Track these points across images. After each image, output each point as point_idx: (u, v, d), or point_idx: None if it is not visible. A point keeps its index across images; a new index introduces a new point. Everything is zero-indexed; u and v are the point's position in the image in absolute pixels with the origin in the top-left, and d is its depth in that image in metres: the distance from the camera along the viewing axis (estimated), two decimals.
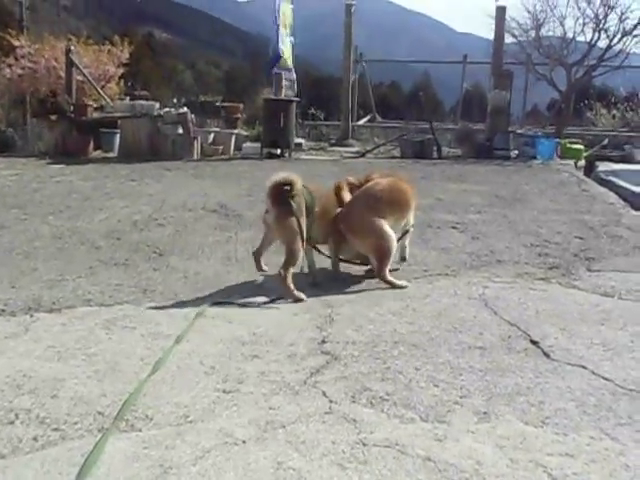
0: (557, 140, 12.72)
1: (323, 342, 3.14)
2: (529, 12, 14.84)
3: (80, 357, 2.85)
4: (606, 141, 13.11)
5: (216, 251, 5.11)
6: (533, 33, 14.65)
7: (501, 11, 13.74)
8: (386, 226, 4.20)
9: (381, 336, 3.24)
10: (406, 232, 4.64)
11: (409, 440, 2.16)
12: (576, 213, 6.89)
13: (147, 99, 13.70)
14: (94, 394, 2.45)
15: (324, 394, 2.51)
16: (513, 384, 2.67)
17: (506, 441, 2.18)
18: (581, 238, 5.74)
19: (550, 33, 14.58)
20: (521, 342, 3.21)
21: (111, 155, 12.88)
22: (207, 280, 4.35)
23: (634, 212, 7.06)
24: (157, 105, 12.53)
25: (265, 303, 3.82)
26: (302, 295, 3.90)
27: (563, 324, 3.49)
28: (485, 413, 2.39)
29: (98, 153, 13.12)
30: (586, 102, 17.74)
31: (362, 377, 2.70)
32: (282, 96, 13.37)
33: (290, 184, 4.05)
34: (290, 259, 3.97)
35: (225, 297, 3.96)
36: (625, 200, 7.86)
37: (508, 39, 15.23)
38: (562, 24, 14.39)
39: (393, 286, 4.14)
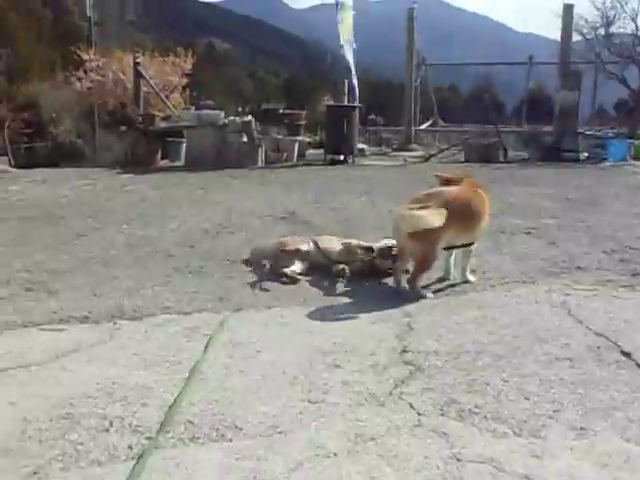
0: (630, 141, 12.29)
1: (404, 351, 3.09)
2: (598, 9, 14.44)
3: (165, 365, 2.89)
4: None
5: None
6: (602, 31, 14.21)
7: (569, 9, 13.39)
8: (441, 241, 4.13)
9: (462, 346, 3.17)
10: (468, 246, 4.41)
11: (505, 456, 2.09)
12: None
13: (212, 108, 13.95)
14: (183, 402, 2.47)
15: (411, 406, 2.47)
16: (608, 398, 2.56)
17: (608, 459, 2.09)
18: None
19: (621, 30, 14.12)
20: (612, 353, 3.07)
21: (178, 164, 13.17)
22: (286, 289, 4.36)
23: None
24: (222, 114, 12.74)
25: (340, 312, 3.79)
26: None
27: None
28: (582, 429, 2.29)
29: (165, 162, 13.44)
30: None
31: (448, 389, 2.64)
32: (344, 102, 13.38)
33: None
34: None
35: (300, 305, 3.96)
36: None
37: (575, 38, 14.83)
38: (634, 20, 13.91)
39: (417, 294, 4.07)
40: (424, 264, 4.15)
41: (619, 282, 4.45)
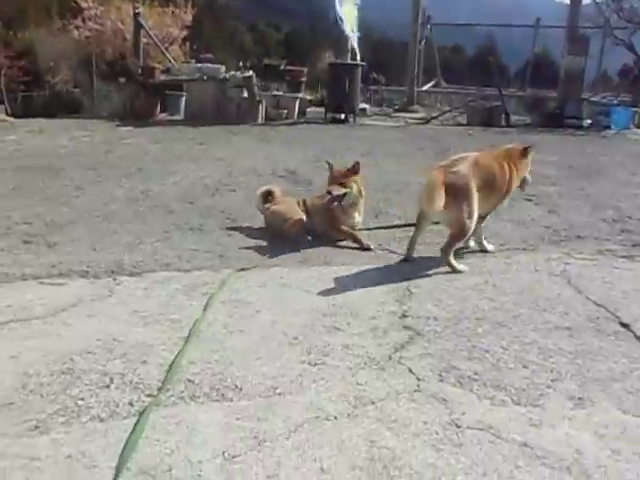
0: (634, 109, 12.17)
1: (404, 316, 3.10)
2: None
3: (165, 323, 2.89)
4: None
5: None
6: None
7: None
8: (476, 206, 3.97)
9: (463, 312, 3.17)
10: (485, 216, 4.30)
11: (503, 424, 2.10)
12: None
13: (212, 62, 13.72)
14: (183, 361, 2.48)
15: (410, 371, 2.48)
16: (606, 369, 2.57)
17: (605, 430, 2.11)
18: None
19: None
20: (610, 324, 3.09)
21: (177, 118, 13.01)
22: (282, 245, 4.34)
23: None
24: (223, 69, 12.54)
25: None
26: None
27: None
28: (580, 399, 2.31)
29: (164, 116, 13.26)
30: None
31: (448, 355, 2.65)
32: (347, 60, 13.16)
33: None
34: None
35: (300, 264, 3.95)
36: None
37: (585, 1, 14.55)
38: None
39: (452, 268, 3.89)
40: (461, 233, 3.91)
41: (619, 252, 4.45)
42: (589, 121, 12.40)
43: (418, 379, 2.42)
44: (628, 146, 9.34)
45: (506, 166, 4.19)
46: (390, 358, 2.59)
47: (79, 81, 18.38)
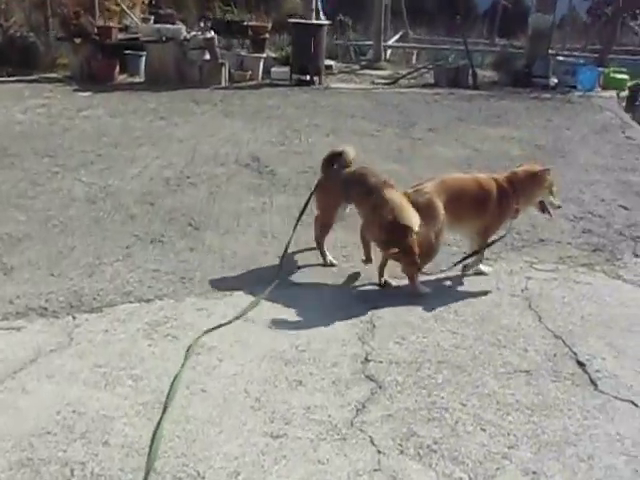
0: (599, 69, 12.13)
1: (367, 360, 3.12)
2: None
3: (127, 382, 2.87)
4: None
5: (251, 223, 5.03)
6: None
7: None
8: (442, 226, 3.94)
9: (425, 352, 3.21)
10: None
11: None
12: (620, 171, 6.66)
13: (172, 18, 13.21)
14: (144, 439, 2.48)
15: (372, 441, 2.52)
16: (561, 429, 2.64)
17: None
18: (626, 208, 5.57)
19: None
20: (567, 363, 3.16)
21: (137, 80, 12.55)
22: (244, 263, 4.31)
23: None
24: (183, 29, 12.09)
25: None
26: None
27: (609, 337, 3.43)
28: (535, 473, 2.38)
29: (124, 77, 12.79)
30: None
31: (408, 416, 2.69)
32: (312, 20, 12.79)
33: None
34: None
35: (261, 286, 3.93)
36: None
37: None
38: None
39: (416, 291, 3.89)
40: (425, 253, 3.84)
41: (579, 260, 4.52)
42: (556, 81, 12.35)
43: (379, 451, 2.46)
44: (593, 115, 9.35)
45: (493, 188, 4.09)
46: (352, 424, 2.62)
47: (34, 24, 17.50)
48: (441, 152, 7.24)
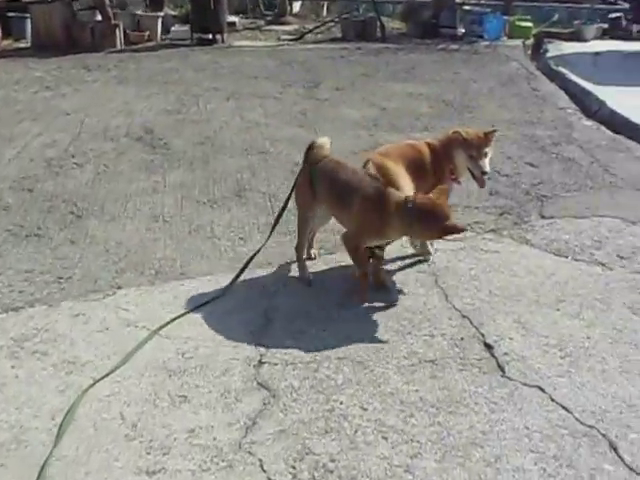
0: (505, 18, 12.05)
1: (260, 363, 2.84)
2: None
3: None
4: (556, 17, 12.51)
5: (141, 206, 4.61)
6: None
7: None
8: None
9: (324, 348, 2.96)
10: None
11: None
12: (526, 125, 6.55)
13: None
14: None
15: (261, 466, 2.25)
16: (468, 427, 2.45)
17: None
18: (532, 165, 5.46)
19: None
20: (475, 347, 2.98)
21: (24, 45, 11.58)
22: (130, 255, 3.91)
23: (585, 121, 6.77)
24: None
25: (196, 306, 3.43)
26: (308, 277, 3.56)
27: (517, 312, 3.27)
28: None
29: (9, 43, 11.76)
30: None
31: (303, 429, 2.43)
32: None
33: None
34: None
35: (150, 282, 3.57)
36: (574, 98, 7.56)
37: None
38: None
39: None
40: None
41: (487, 224, 4.36)
42: (463, 30, 12.20)
43: (269, 479, 2.19)
44: (499, 66, 9.22)
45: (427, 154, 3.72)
46: (240, 446, 2.34)
47: None
48: (347, 113, 6.94)
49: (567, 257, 3.91)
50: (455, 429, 2.44)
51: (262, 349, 2.95)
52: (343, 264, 3.74)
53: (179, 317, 3.15)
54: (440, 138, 3.86)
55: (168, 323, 3.09)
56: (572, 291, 3.49)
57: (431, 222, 3.06)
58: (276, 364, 2.83)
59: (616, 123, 6.49)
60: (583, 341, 3.03)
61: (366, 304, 3.34)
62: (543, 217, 4.47)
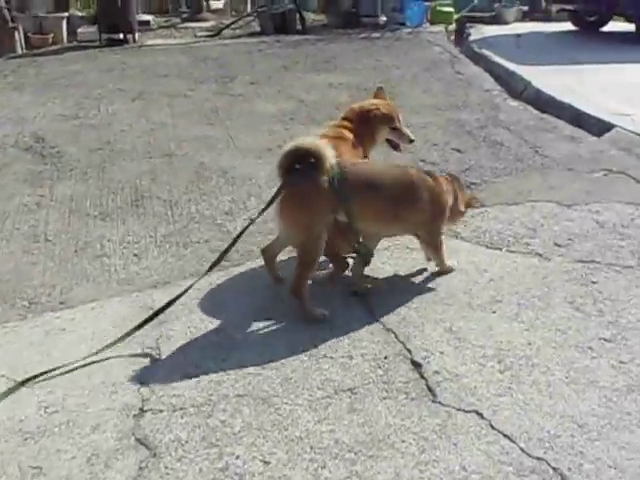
0: (426, 4, 11.79)
1: (142, 412, 2.31)
2: None
3: None
4: (476, 1, 12.30)
5: (20, 225, 4.01)
6: None
7: None
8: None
9: (222, 383, 2.45)
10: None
11: None
12: (452, 109, 6.20)
13: None
14: None
15: None
16: (392, 476, 1.99)
17: None
18: (459, 151, 5.09)
19: None
20: (400, 367, 2.53)
21: None
22: (1, 283, 3.33)
23: (511, 102, 6.47)
24: None
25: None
26: (322, 313, 2.87)
27: (449, 318, 2.84)
28: None
29: None
30: None
31: None
32: None
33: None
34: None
35: (20, 316, 3.00)
36: (499, 80, 7.29)
37: None
38: None
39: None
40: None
41: None
42: (385, 18, 11.88)
43: None
44: (422, 52, 8.89)
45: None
46: None
47: None
48: (262, 107, 6.44)
49: (501, 249, 3.52)
50: None
51: (146, 392, 2.42)
52: (247, 275, 3.25)
53: (50, 371, 2.55)
54: (353, 119, 3.46)
55: (35, 377, 2.51)
56: (508, 288, 3.09)
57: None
58: (161, 411, 2.31)
59: (542, 102, 6.23)
60: (524, 348, 2.62)
61: (274, 326, 2.85)
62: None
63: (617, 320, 2.79)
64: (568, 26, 10.07)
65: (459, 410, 2.26)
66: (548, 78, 6.80)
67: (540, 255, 3.42)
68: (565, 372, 2.46)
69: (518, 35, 9.60)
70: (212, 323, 2.88)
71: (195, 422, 2.25)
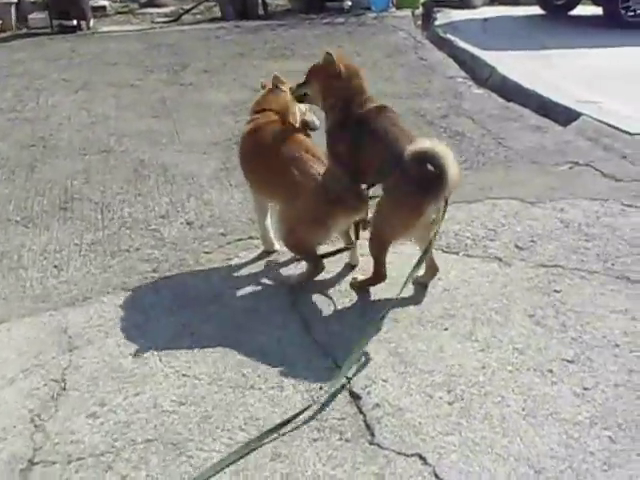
0: None
1: (31, 464, 1.98)
2: None
3: None
4: None
5: None
6: None
7: None
8: None
9: (131, 425, 2.12)
10: None
11: None
12: (413, 98, 5.89)
13: None
14: None
15: None
16: None
17: None
18: None
19: None
20: (337, 400, 2.22)
21: None
22: None
23: (475, 89, 6.18)
24: None
25: None
26: None
27: (394, 339, 2.54)
28: None
29: None
30: None
31: None
32: None
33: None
34: None
35: None
36: (464, 66, 6.98)
37: None
38: None
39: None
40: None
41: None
42: (350, 3, 11.51)
43: None
44: (386, 38, 8.54)
45: None
46: None
47: None
48: (214, 98, 6.06)
49: (458, 254, 3.22)
50: None
51: (40, 438, 2.08)
52: (178, 289, 2.91)
53: None
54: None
55: None
56: (464, 300, 2.80)
57: None
58: (54, 463, 1.98)
59: (508, 90, 5.94)
60: (477, 373, 2.32)
61: (199, 350, 2.52)
62: None
63: (581, 336, 2.51)
64: (536, 10, 9.78)
65: (399, 454, 1.96)
66: (514, 64, 6.51)
67: (500, 260, 3.13)
68: (522, 402, 2.17)
69: (485, 20, 9.33)
70: (129, 348, 2.54)
71: (91, 477, 1.91)
